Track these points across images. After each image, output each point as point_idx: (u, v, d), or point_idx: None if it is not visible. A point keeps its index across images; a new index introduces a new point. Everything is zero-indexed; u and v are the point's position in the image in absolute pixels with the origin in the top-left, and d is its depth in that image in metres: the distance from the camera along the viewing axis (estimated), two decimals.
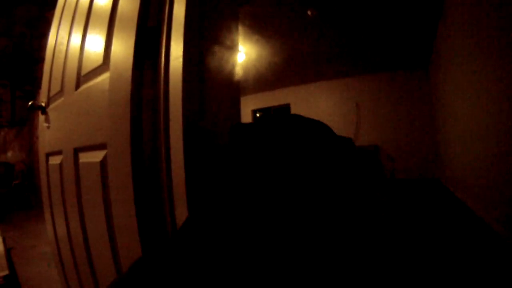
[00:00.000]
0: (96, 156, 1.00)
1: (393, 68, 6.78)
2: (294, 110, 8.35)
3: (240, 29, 4.26)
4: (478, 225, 2.77)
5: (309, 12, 3.94)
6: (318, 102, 7.87)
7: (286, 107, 8.49)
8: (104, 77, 0.99)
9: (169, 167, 0.81)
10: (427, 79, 6.63)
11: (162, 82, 0.85)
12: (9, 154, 9.43)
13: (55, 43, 1.61)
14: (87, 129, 1.07)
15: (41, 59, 4.79)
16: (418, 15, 4.24)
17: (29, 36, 4.31)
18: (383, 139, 7.03)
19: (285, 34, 4.76)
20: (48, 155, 1.51)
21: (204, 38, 0.89)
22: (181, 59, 0.79)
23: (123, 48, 0.91)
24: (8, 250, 2.79)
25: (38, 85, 5.74)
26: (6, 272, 2.13)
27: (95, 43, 1.11)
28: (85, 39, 1.21)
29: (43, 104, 1.57)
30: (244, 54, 5.31)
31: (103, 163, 0.98)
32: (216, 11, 0.95)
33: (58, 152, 1.33)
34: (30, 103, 1.60)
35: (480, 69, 2.67)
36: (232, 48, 0.95)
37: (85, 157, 1.10)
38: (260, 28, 4.46)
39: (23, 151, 9.36)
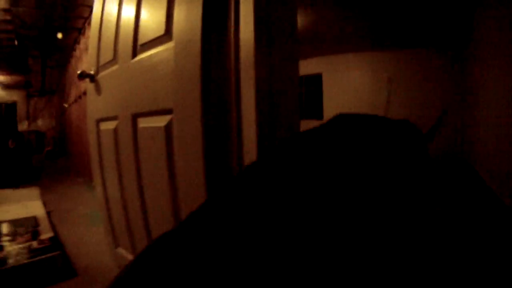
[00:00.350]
0: (159, 121, 1.06)
1: (427, 45, 6.59)
2: (325, 80, 8.25)
3: None
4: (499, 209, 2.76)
5: None
6: (350, 74, 7.72)
7: (318, 75, 8.41)
8: (167, 47, 1.03)
9: (240, 126, 0.88)
10: (462, 59, 6.43)
11: (232, 50, 0.89)
12: (40, 122, 9.78)
13: (102, 12, 1.64)
14: (147, 96, 1.13)
15: (71, 28, 4.87)
16: None
17: (59, 5, 4.38)
18: (412, 115, 6.92)
19: (322, 3, 4.71)
20: (98, 121, 1.58)
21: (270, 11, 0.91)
22: (252, 27, 0.83)
23: (189, 18, 0.94)
24: (48, 214, 2.93)
25: (69, 53, 5.86)
26: (51, 234, 2.27)
27: (153, 12, 1.15)
28: (140, 8, 1.24)
29: (92, 73, 1.62)
30: None
31: (168, 127, 1.03)
32: None
33: (112, 118, 1.40)
34: (79, 72, 1.66)
35: None
36: (293, 20, 0.97)
37: (145, 122, 1.16)
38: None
39: (53, 119, 9.68)
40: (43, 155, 7.60)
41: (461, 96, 6.41)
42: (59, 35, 4.48)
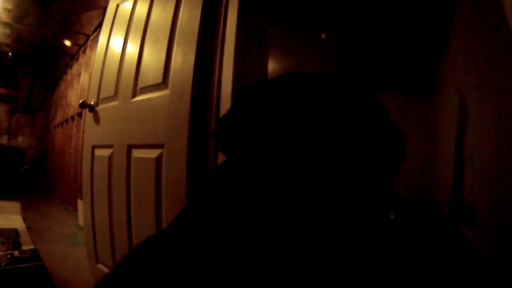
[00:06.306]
0: (152, 153, 1.29)
1: (398, 91, 7.05)
2: None
3: None
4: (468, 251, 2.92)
5: (323, 35, 4.25)
6: None
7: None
8: (163, 93, 1.28)
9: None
10: (431, 103, 6.90)
11: (214, 101, 1.15)
12: (20, 139, 9.70)
13: (106, 49, 1.87)
14: (143, 132, 1.36)
15: (66, 54, 5.06)
16: (424, 44, 4.56)
17: (60, 33, 4.59)
18: None
19: (301, 52, 5.11)
20: (94, 147, 1.79)
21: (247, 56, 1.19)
22: (230, 87, 1.09)
23: (182, 72, 1.20)
24: (27, 228, 3.01)
25: (59, 76, 6.02)
26: (32, 246, 2.39)
27: (153, 62, 1.40)
28: (142, 55, 1.50)
29: (92, 103, 1.84)
30: None
31: (159, 158, 1.26)
32: (256, 31, 1.25)
33: (108, 146, 1.61)
34: (80, 101, 1.88)
35: (482, 100, 2.93)
36: (265, 61, 1.25)
37: (139, 153, 1.39)
38: (280, 45, 4.79)
39: (33, 138, 9.63)
40: (21, 173, 7.53)
41: (430, 131, 6.86)
42: (67, 43, 4.63)
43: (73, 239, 2.85)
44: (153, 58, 1.42)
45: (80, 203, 3.37)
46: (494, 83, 2.45)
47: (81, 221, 3.17)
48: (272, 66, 5.64)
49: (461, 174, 3.80)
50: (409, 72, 5.91)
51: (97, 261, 1.84)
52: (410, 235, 3.28)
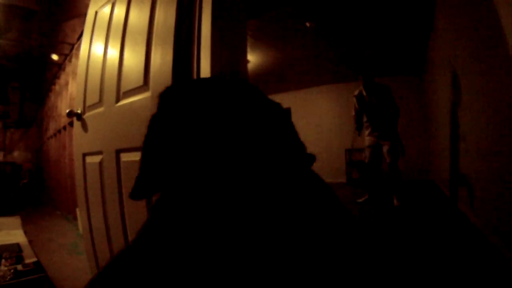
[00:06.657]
0: (139, 156, 1.28)
1: (390, 74, 7.05)
2: (295, 113, 8.62)
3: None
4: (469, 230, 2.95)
5: (307, 24, 4.25)
6: (318, 106, 8.11)
7: (288, 110, 8.77)
8: (145, 95, 1.28)
9: None
10: (422, 83, 6.91)
11: None
12: (15, 154, 9.65)
13: (88, 57, 1.87)
14: (129, 135, 1.36)
15: (53, 65, 5.03)
16: (412, 26, 4.56)
17: (45, 44, 4.57)
18: None
19: (286, 43, 5.09)
20: (85, 155, 1.79)
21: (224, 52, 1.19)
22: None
23: (161, 73, 1.21)
24: (29, 242, 3.03)
25: (48, 87, 6.00)
26: (35, 259, 2.40)
27: (134, 65, 1.41)
28: (123, 59, 1.50)
29: (79, 112, 1.85)
30: (249, 61, 5.58)
31: None
32: (232, 26, 1.26)
33: (98, 153, 1.62)
34: (68, 110, 1.88)
35: (467, 76, 2.95)
36: (243, 57, 1.25)
37: (128, 157, 1.39)
38: (264, 38, 4.78)
39: (29, 152, 9.59)
40: (19, 187, 7.54)
41: (424, 113, 6.88)
42: (54, 57, 4.61)
43: (75, 248, 2.88)
44: (133, 61, 1.42)
45: (78, 212, 3.39)
46: (484, 56, 2.46)
47: (81, 229, 3.19)
48: (258, 57, 5.63)
49: (457, 152, 3.83)
50: (399, 54, 5.92)
51: (99, 268, 1.85)
52: (414, 221, 3.32)
